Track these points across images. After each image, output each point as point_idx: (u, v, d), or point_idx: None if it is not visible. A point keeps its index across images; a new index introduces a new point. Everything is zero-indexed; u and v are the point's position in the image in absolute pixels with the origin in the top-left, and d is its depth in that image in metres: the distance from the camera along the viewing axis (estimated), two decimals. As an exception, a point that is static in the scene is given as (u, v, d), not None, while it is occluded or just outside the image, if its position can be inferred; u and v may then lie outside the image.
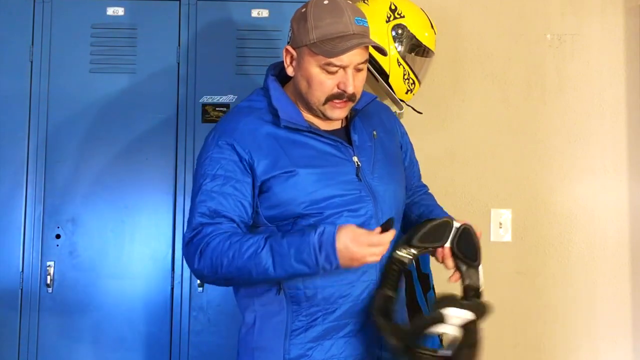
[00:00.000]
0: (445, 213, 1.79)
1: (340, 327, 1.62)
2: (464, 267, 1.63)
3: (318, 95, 1.62)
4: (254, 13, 2.47)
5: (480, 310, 1.59)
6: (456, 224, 1.64)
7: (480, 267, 1.65)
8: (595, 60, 2.91)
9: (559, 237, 2.86)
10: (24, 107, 2.41)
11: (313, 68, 1.60)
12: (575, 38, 2.91)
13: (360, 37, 1.58)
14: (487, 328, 2.84)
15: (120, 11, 2.45)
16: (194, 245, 1.57)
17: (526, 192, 2.87)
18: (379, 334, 1.58)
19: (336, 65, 1.59)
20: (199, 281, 2.36)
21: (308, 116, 1.68)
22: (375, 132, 1.74)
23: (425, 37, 2.57)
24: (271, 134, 1.63)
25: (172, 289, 2.37)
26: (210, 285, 2.36)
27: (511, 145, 2.88)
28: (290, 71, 1.66)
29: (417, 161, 1.93)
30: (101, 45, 2.43)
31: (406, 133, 1.90)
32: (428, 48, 2.60)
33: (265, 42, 2.45)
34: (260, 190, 1.60)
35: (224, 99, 2.43)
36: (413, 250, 1.62)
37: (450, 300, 1.55)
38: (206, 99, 2.43)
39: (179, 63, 2.44)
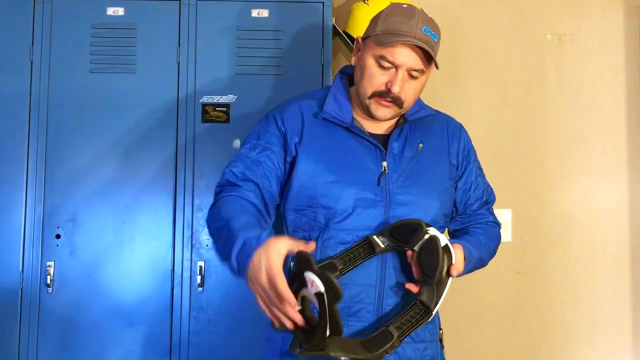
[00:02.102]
0: (479, 255, 1.74)
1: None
2: (424, 280, 1.60)
3: (366, 86, 1.67)
4: (254, 13, 2.47)
5: (329, 285, 1.33)
6: (430, 231, 1.60)
7: (445, 289, 1.59)
8: (595, 60, 2.91)
9: (559, 237, 2.86)
10: (24, 107, 2.41)
11: (369, 59, 1.66)
12: (575, 38, 2.91)
13: (418, 41, 1.61)
14: (488, 327, 2.85)
15: (120, 11, 2.45)
16: (215, 199, 1.68)
17: (526, 192, 2.87)
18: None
19: (389, 61, 1.63)
20: (199, 281, 2.36)
21: (359, 116, 1.75)
22: (421, 145, 1.75)
23: (425, 37, 2.57)
24: (313, 122, 1.72)
25: (172, 289, 2.37)
26: (210, 285, 2.37)
27: (511, 145, 2.88)
28: (354, 60, 1.74)
29: (482, 188, 1.88)
30: (101, 45, 2.43)
31: (474, 160, 1.86)
32: (428, 48, 2.60)
33: (265, 42, 2.45)
34: (292, 167, 1.69)
35: (224, 99, 2.43)
36: (387, 241, 1.62)
37: (309, 265, 1.36)
38: (206, 99, 2.43)
39: (179, 63, 2.44)
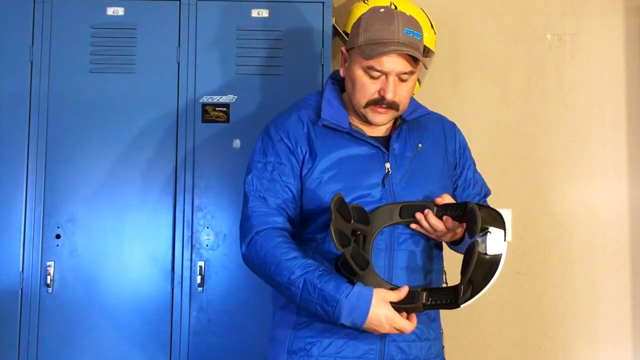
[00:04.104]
0: None
1: (340, 326, 1.63)
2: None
3: (359, 97, 1.69)
4: (254, 13, 2.47)
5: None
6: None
7: (481, 292, 1.61)
8: (595, 60, 2.91)
9: (559, 237, 2.86)
10: (24, 107, 2.40)
11: (357, 70, 1.67)
12: (575, 38, 2.91)
13: (402, 46, 1.62)
14: (488, 327, 2.85)
15: (120, 11, 2.45)
16: (245, 233, 1.68)
17: (526, 192, 2.87)
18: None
19: (377, 70, 1.65)
20: (199, 281, 2.36)
21: (355, 121, 1.75)
22: (420, 145, 1.77)
23: (425, 37, 2.56)
24: (314, 130, 1.72)
25: (172, 289, 2.37)
26: (210, 285, 2.37)
27: (511, 145, 2.88)
28: (342, 72, 1.75)
29: (480, 183, 1.92)
30: (101, 45, 2.43)
31: (470, 157, 1.90)
32: (428, 48, 2.60)
33: (265, 42, 2.45)
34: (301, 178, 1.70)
35: (224, 99, 2.43)
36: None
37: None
38: (206, 99, 2.43)
39: (179, 63, 2.44)
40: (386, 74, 1.65)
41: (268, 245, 1.63)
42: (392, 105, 1.68)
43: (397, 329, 1.57)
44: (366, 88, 1.67)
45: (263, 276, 1.67)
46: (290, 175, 1.69)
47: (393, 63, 1.64)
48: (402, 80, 1.67)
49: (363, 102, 1.68)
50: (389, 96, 1.65)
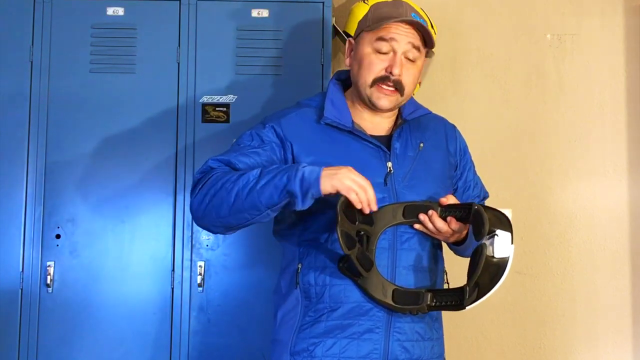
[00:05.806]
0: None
1: (344, 326, 1.64)
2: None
3: (366, 76, 1.69)
4: (254, 13, 2.47)
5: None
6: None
7: (486, 295, 1.61)
8: (595, 60, 2.91)
9: (559, 237, 2.86)
10: (24, 107, 2.41)
11: (365, 48, 1.69)
12: (575, 38, 2.91)
13: (410, 18, 1.66)
14: (488, 328, 2.85)
15: (120, 11, 2.45)
16: (199, 182, 1.63)
17: (526, 192, 2.87)
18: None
19: (386, 40, 1.66)
20: (199, 281, 2.36)
21: (357, 120, 1.76)
22: (422, 144, 1.77)
23: (425, 37, 2.57)
24: (315, 128, 1.72)
25: (172, 289, 2.37)
26: (210, 285, 2.36)
27: (511, 145, 2.88)
28: (348, 62, 1.77)
29: (480, 185, 1.93)
30: (101, 45, 2.43)
31: (470, 159, 1.91)
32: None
33: (265, 42, 2.45)
34: None
35: (224, 99, 2.43)
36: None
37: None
38: (206, 99, 2.43)
39: (179, 63, 2.44)
40: (394, 51, 1.67)
41: (221, 174, 1.59)
42: (398, 85, 1.68)
43: (355, 179, 1.51)
44: (373, 64, 1.68)
45: (212, 196, 1.57)
46: (264, 156, 1.66)
47: (402, 33, 1.66)
48: (409, 60, 1.68)
49: (370, 79, 1.69)
50: (396, 71, 1.66)
